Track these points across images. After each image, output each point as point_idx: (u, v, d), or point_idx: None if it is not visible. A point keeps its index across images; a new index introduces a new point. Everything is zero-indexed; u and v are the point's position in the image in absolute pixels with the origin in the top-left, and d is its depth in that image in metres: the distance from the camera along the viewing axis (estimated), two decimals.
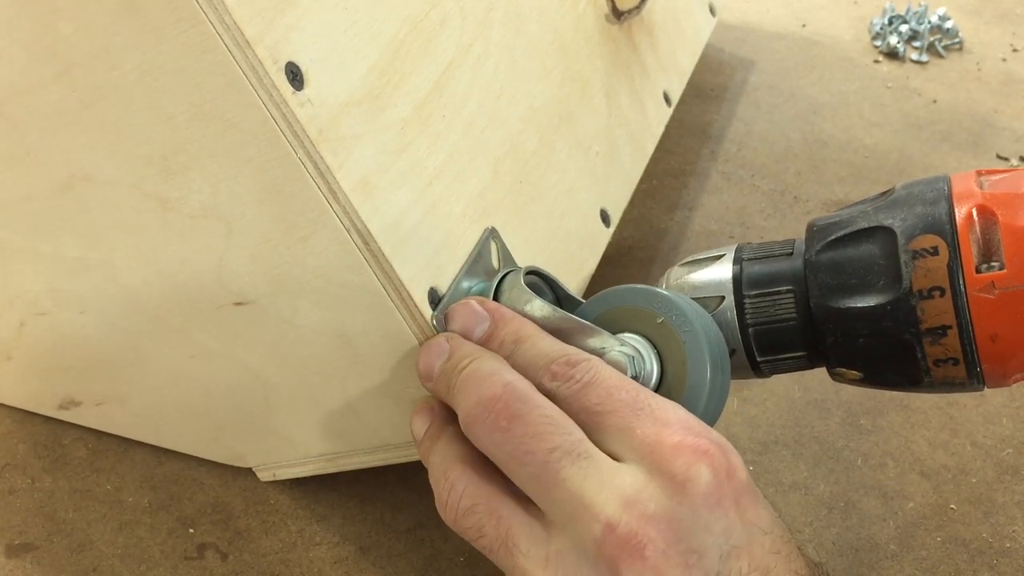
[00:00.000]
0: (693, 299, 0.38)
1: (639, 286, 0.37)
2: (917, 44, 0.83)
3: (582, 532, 0.31)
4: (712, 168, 0.71)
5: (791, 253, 0.39)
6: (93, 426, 0.52)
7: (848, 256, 0.36)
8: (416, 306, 0.36)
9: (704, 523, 0.31)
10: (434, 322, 0.37)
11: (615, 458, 0.32)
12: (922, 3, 0.86)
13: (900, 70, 0.81)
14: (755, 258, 0.39)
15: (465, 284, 0.39)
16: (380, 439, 0.43)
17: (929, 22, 0.84)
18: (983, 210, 0.34)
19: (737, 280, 0.39)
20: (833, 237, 0.37)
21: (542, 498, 0.32)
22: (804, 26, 0.87)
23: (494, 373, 0.34)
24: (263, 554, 0.46)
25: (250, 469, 0.50)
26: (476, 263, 0.39)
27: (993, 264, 0.34)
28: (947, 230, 0.34)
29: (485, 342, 0.36)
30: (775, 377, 0.54)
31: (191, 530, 0.48)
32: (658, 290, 0.37)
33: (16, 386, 0.52)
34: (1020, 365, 0.35)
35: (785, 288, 0.38)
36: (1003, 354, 0.35)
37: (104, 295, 0.42)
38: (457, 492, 0.34)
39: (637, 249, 0.64)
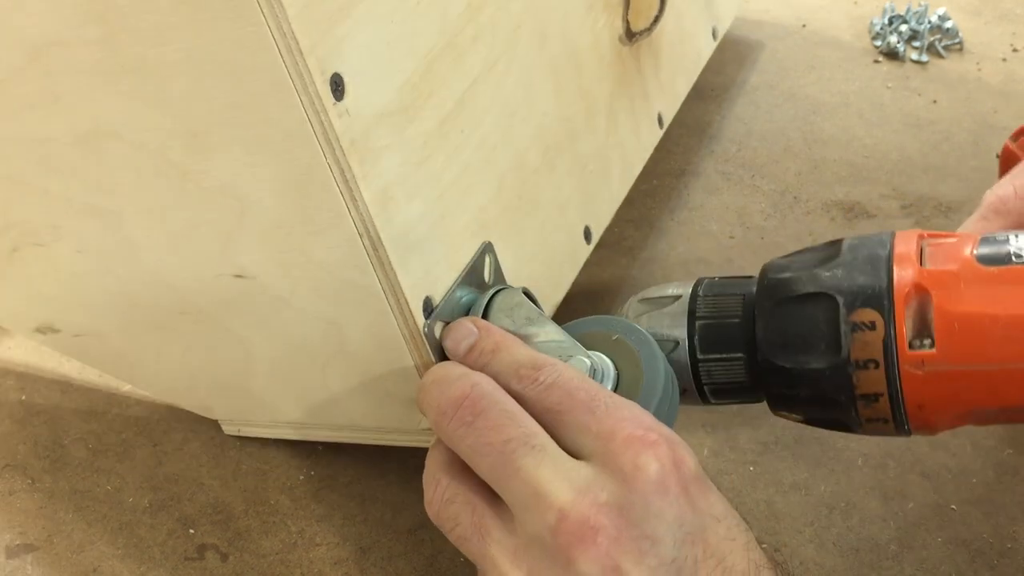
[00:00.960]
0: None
1: (605, 316, 0.41)
2: (917, 44, 0.83)
3: (538, 521, 0.32)
4: (712, 168, 0.71)
5: (740, 316, 0.41)
6: (67, 353, 0.53)
7: (794, 318, 0.39)
8: (411, 313, 0.38)
9: (656, 510, 0.32)
10: (425, 330, 0.38)
11: (574, 454, 0.34)
12: (922, 3, 0.86)
13: (900, 70, 0.81)
14: (709, 318, 0.41)
15: (458, 294, 0.40)
16: (348, 420, 0.45)
17: (929, 22, 0.84)
18: (919, 288, 0.36)
19: (691, 333, 0.41)
20: (782, 296, 0.39)
21: (502, 488, 0.34)
22: (804, 26, 0.87)
23: (462, 376, 0.36)
24: (263, 555, 0.46)
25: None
26: (470, 275, 0.41)
27: (925, 342, 0.36)
28: (885, 306, 0.37)
29: (468, 351, 0.38)
30: None
31: (191, 531, 0.48)
32: (616, 317, 0.40)
33: None
34: (945, 426, 0.38)
35: (737, 355, 0.40)
36: (929, 420, 0.38)
37: (105, 240, 0.43)
38: (442, 487, 0.36)
39: (637, 249, 0.64)
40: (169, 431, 0.52)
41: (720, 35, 0.73)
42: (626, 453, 0.32)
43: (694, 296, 0.42)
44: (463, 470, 0.35)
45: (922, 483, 0.49)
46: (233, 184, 0.37)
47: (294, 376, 0.44)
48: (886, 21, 0.85)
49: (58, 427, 0.53)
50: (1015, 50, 0.84)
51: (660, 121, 0.61)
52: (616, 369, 0.38)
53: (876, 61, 0.83)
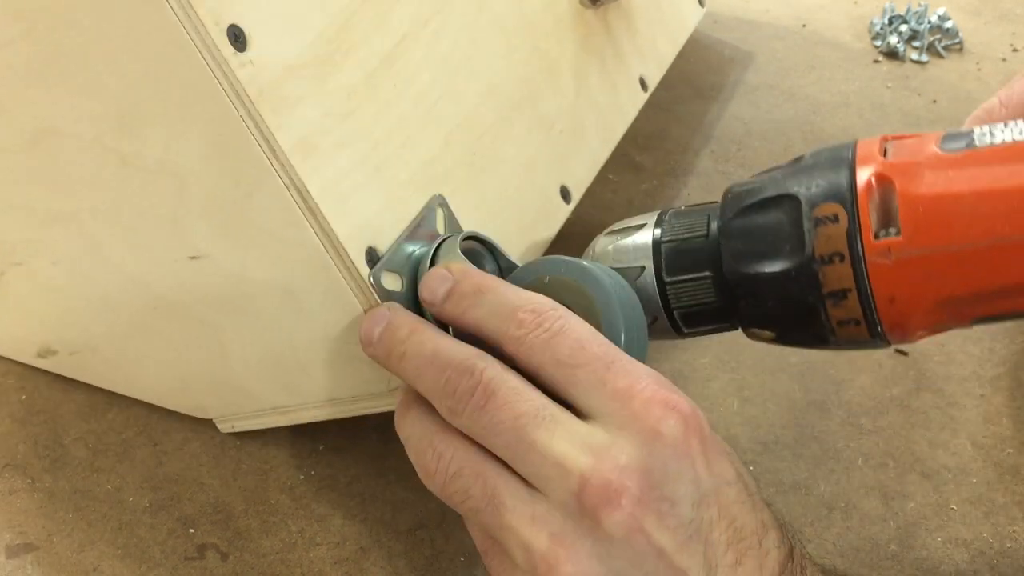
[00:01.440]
0: (616, 267, 0.41)
1: (556, 257, 0.39)
2: (917, 44, 0.83)
3: (560, 489, 0.32)
4: (712, 168, 0.71)
5: (706, 232, 0.40)
6: (69, 375, 0.54)
7: (757, 223, 0.38)
8: (352, 263, 0.38)
9: (675, 472, 0.32)
10: (371, 280, 0.38)
11: (586, 411, 0.33)
12: (922, 3, 0.86)
13: (900, 70, 0.81)
14: (674, 239, 0.40)
15: (408, 248, 0.40)
16: (327, 393, 0.45)
17: (929, 22, 0.84)
18: (882, 178, 0.36)
19: (656, 253, 0.40)
20: (744, 204, 0.39)
21: (519, 464, 0.33)
22: (804, 26, 0.87)
23: (467, 359, 0.35)
24: (263, 554, 0.46)
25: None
26: (421, 227, 0.41)
27: (891, 230, 0.35)
28: (847, 198, 0.36)
29: (447, 297, 0.37)
30: (775, 378, 0.55)
31: (191, 530, 0.48)
32: (572, 260, 0.38)
33: None
34: (920, 324, 0.37)
35: (704, 274, 0.40)
36: (901, 316, 0.36)
37: (73, 247, 0.43)
38: (446, 459, 0.35)
39: None
40: (169, 431, 0.52)
41: (706, 2, 0.74)
42: (648, 415, 0.32)
43: (659, 222, 0.41)
44: (457, 435, 0.35)
45: (922, 482, 0.49)
46: (167, 160, 0.37)
47: (268, 356, 0.44)
48: (886, 21, 0.85)
49: (58, 427, 0.53)
50: (1015, 50, 0.84)
51: (643, 84, 0.61)
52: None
53: (876, 61, 0.83)
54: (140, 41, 0.34)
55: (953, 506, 0.48)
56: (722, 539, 0.32)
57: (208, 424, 0.52)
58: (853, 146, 0.38)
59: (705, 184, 0.69)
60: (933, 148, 0.36)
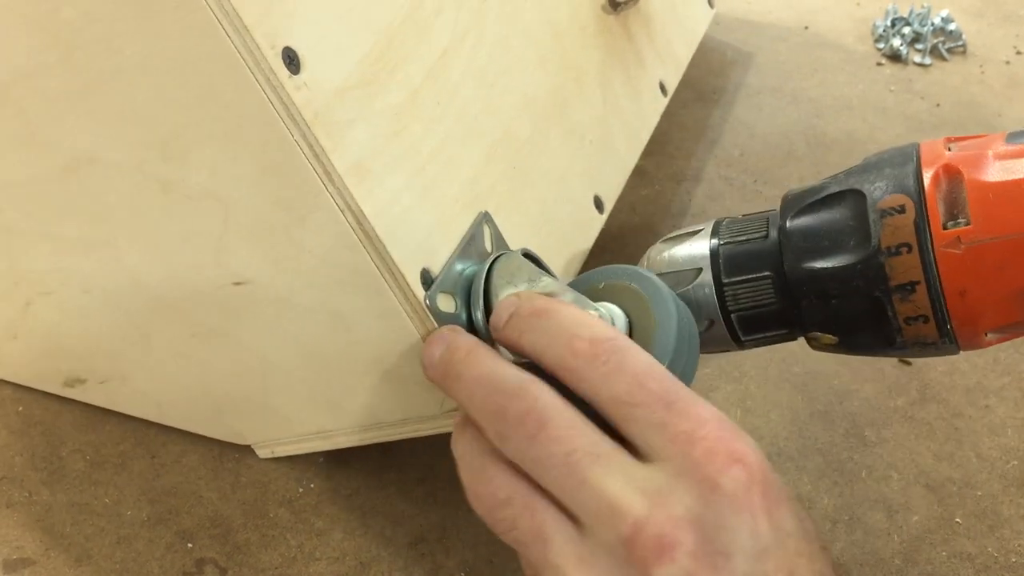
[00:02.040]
0: (672, 272, 0.41)
1: (613, 266, 0.39)
2: (920, 47, 0.83)
3: (610, 532, 0.31)
4: (715, 173, 0.71)
5: (766, 234, 0.40)
6: (98, 404, 0.53)
7: (820, 220, 0.38)
8: (409, 286, 0.37)
9: (732, 526, 0.31)
10: (427, 302, 0.38)
11: (644, 452, 0.32)
12: (925, 5, 0.85)
13: (903, 73, 0.81)
14: (732, 240, 0.40)
15: (459, 266, 0.39)
16: (373, 417, 0.44)
17: (932, 24, 0.84)
18: (949, 169, 0.35)
19: (714, 256, 0.40)
20: (806, 203, 0.38)
21: (569, 500, 0.32)
22: (807, 28, 0.87)
23: (521, 386, 0.33)
24: (262, 569, 0.46)
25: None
26: (469, 246, 0.40)
27: (959, 220, 0.35)
28: (914, 189, 0.35)
29: (508, 321, 0.36)
30: (779, 389, 0.54)
31: (190, 544, 0.47)
32: (624, 266, 0.38)
33: (22, 365, 0.53)
34: (991, 324, 0.36)
35: (764, 274, 0.39)
36: (972, 311, 0.35)
37: (107, 275, 0.43)
38: (495, 484, 0.34)
39: (640, 255, 0.64)
40: (167, 443, 0.52)
41: (716, 3, 0.73)
42: (710, 465, 0.31)
43: (716, 228, 0.41)
44: (515, 466, 0.34)
45: (926, 496, 0.49)
46: (213, 186, 0.37)
47: (312, 381, 0.44)
48: (889, 23, 0.85)
49: (55, 439, 0.52)
50: (1019, 52, 0.83)
51: (663, 88, 0.61)
52: (627, 317, 0.37)
53: (879, 64, 0.82)
54: (190, 67, 0.33)
55: (958, 519, 0.48)
56: None
57: (206, 437, 0.52)
58: (917, 145, 0.37)
59: (708, 189, 0.69)
60: (999, 143, 0.36)
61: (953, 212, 0.35)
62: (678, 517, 0.30)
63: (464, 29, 0.43)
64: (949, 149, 0.37)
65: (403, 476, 0.50)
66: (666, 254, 0.42)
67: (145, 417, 0.52)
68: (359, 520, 0.48)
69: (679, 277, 0.40)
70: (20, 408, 0.54)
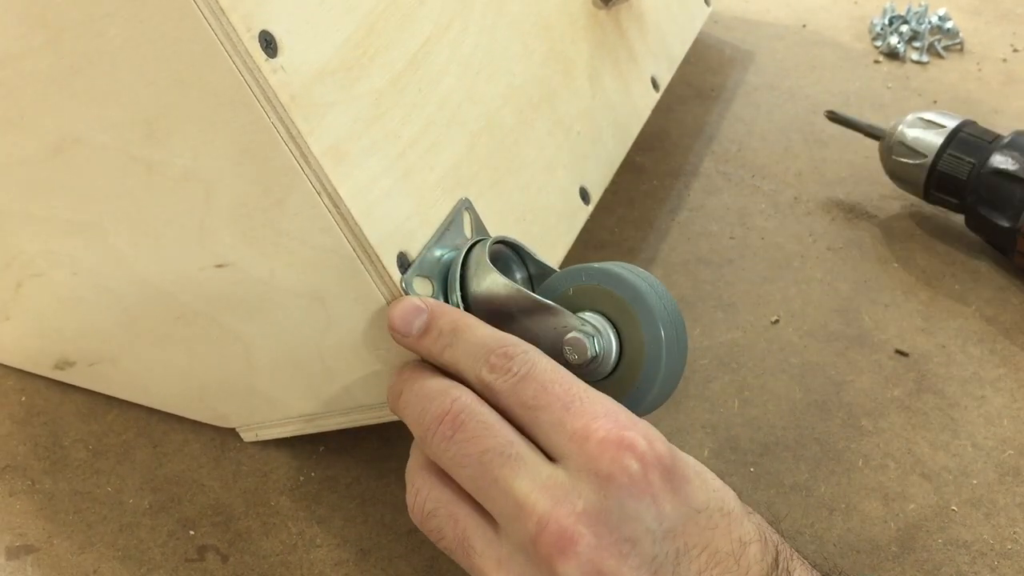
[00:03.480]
0: (907, 146, 0.62)
1: (606, 265, 0.39)
2: (917, 44, 0.83)
3: (519, 531, 0.32)
4: (712, 168, 0.71)
5: (991, 146, 0.60)
6: (87, 386, 0.54)
7: (996, 185, 0.59)
8: (385, 268, 0.38)
9: (632, 512, 0.32)
10: (403, 285, 0.38)
11: (551, 454, 0.34)
12: (922, 3, 0.86)
13: (900, 70, 0.81)
14: (970, 134, 0.61)
15: (437, 252, 0.40)
16: (354, 400, 0.44)
17: (929, 22, 0.84)
18: None
19: (947, 143, 0.61)
20: (997, 168, 0.59)
21: (483, 499, 0.34)
22: (804, 26, 0.87)
23: (443, 391, 0.35)
24: (263, 556, 0.46)
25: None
26: (449, 232, 0.41)
27: None
28: None
29: (424, 332, 0.37)
30: (776, 379, 0.54)
31: (192, 532, 0.48)
32: (621, 272, 0.38)
33: (14, 346, 0.54)
34: None
35: (969, 159, 0.60)
36: None
37: (94, 257, 0.43)
38: (422, 496, 0.36)
39: (638, 250, 0.64)
40: (169, 432, 0.52)
41: (712, 1, 0.74)
42: (602, 456, 0.32)
43: (961, 124, 0.62)
44: (442, 476, 0.36)
45: (922, 484, 0.49)
46: (195, 167, 0.37)
47: (294, 363, 0.44)
48: (886, 21, 0.85)
49: (58, 428, 0.53)
50: (1016, 50, 0.84)
51: (655, 83, 0.62)
52: (618, 338, 0.37)
53: (876, 61, 0.83)
54: (170, 49, 0.34)
55: (954, 508, 0.48)
56: (693, 568, 0.32)
57: (208, 425, 0.52)
58: None
59: (705, 184, 0.69)
60: None
61: None
62: (579, 512, 0.32)
63: (449, 17, 0.43)
64: None
65: (403, 465, 0.50)
66: (908, 130, 0.62)
67: (135, 400, 0.53)
68: (359, 508, 0.48)
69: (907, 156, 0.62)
70: (23, 398, 0.55)
